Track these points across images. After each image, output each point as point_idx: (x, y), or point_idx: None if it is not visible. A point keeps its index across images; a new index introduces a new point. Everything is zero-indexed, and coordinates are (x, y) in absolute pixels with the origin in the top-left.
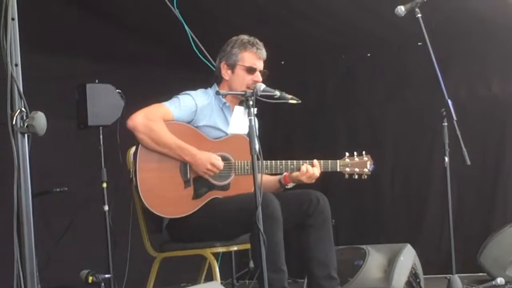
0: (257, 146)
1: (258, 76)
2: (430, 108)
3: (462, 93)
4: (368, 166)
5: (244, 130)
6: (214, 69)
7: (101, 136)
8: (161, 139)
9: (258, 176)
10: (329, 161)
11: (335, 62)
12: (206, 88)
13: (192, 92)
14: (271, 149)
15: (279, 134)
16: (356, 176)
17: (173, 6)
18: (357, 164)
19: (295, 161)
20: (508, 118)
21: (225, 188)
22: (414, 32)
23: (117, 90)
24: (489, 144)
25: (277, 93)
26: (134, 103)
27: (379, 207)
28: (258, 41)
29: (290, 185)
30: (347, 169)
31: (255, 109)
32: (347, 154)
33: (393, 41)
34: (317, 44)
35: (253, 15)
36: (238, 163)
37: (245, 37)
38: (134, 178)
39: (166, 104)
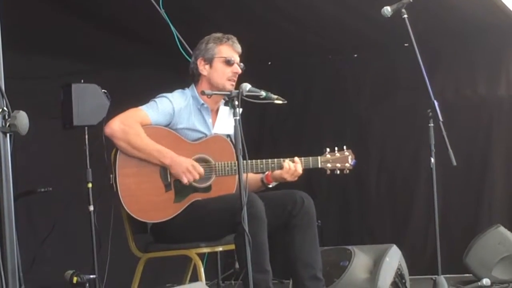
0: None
1: (237, 68)
2: (416, 109)
3: (448, 94)
4: (350, 161)
5: (229, 131)
6: None
7: (86, 136)
8: (139, 144)
9: (243, 176)
10: (310, 157)
11: (321, 63)
12: (183, 89)
13: (169, 95)
14: (258, 150)
15: (266, 134)
16: (338, 172)
17: (159, 6)
18: (338, 159)
19: (275, 160)
20: (494, 119)
21: (206, 190)
22: (401, 33)
23: (103, 90)
24: (475, 145)
25: (263, 93)
26: (119, 103)
27: (365, 207)
28: (232, 35)
29: (272, 184)
30: (329, 165)
31: (241, 110)
32: (327, 149)
33: (380, 42)
34: (303, 45)
35: (239, 16)
36: (218, 164)
37: (218, 34)
38: (114, 184)
39: (144, 108)
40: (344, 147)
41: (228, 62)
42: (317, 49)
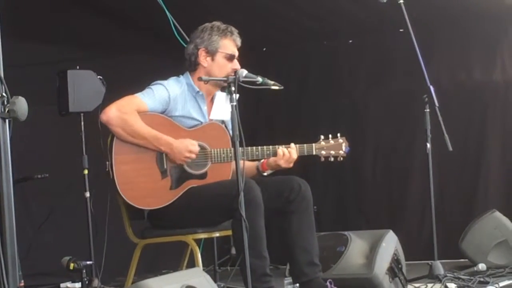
0: (237, 133)
1: (237, 64)
2: (412, 94)
3: (444, 79)
4: (343, 148)
5: (226, 117)
6: None
7: (82, 123)
8: (136, 131)
9: (240, 163)
10: (305, 145)
11: (317, 49)
12: (178, 76)
13: (164, 82)
14: (253, 136)
15: (261, 121)
16: (332, 159)
17: None
18: (332, 146)
19: (271, 147)
20: (490, 104)
21: (202, 176)
22: (397, 18)
23: (98, 77)
24: (470, 130)
25: (259, 79)
26: (115, 89)
27: (361, 193)
28: (234, 28)
29: (267, 172)
30: (323, 152)
31: (237, 95)
32: (322, 137)
33: (375, 28)
34: (299, 31)
35: (235, 1)
36: (214, 151)
37: (221, 24)
38: (110, 171)
39: (139, 96)
40: (338, 134)
41: (230, 58)
42: (312, 34)
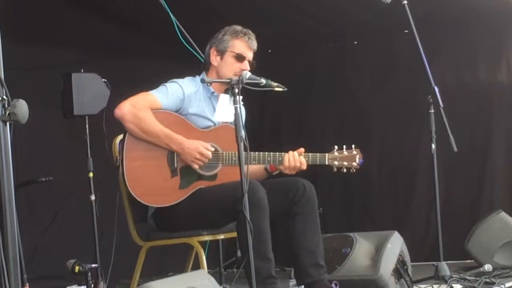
0: (243, 134)
1: (246, 65)
2: (417, 95)
3: (449, 80)
4: (357, 160)
5: (230, 118)
6: (200, 58)
7: (87, 126)
8: (149, 128)
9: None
10: (318, 154)
11: (322, 50)
12: (194, 76)
13: (179, 80)
14: (259, 139)
15: (267, 123)
16: (345, 170)
17: None
18: (346, 157)
19: (283, 153)
20: (495, 105)
21: (212, 178)
22: (401, 19)
23: (103, 80)
24: (476, 131)
25: (263, 80)
26: (120, 92)
27: (366, 194)
28: (250, 32)
29: (276, 172)
30: (336, 163)
31: (241, 97)
32: (336, 147)
33: (380, 29)
34: (303, 32)
35: (239, 4)
36: (226, 153)
37: (238, 27)
38: (120, 167)
39: (154, 93)
40: (353, 146)
41: (239, 58)
42: (317, 36)
